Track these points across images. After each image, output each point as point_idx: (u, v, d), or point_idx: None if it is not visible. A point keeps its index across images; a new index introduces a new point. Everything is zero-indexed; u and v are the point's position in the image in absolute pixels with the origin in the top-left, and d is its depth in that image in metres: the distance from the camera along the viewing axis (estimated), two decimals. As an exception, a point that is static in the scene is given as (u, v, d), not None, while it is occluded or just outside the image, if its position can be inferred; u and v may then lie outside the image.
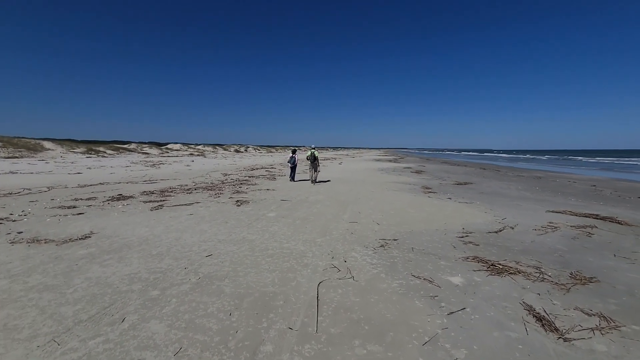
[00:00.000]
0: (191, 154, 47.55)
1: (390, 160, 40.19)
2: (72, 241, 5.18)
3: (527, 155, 76.80)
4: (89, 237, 5.42)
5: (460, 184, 13.97)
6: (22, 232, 5.64)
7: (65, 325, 2.85)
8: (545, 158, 61.59)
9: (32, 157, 29.62)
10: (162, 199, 9.13)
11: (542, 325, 2.92)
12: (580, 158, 59.52)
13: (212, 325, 2.86)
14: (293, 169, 14.10)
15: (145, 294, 3.42)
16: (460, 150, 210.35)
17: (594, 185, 14.16)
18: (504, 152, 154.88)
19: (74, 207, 7.86)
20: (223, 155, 50.47)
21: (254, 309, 3.14)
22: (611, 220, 6.92)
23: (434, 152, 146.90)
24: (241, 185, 12.31)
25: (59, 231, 5.74)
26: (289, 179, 14.04)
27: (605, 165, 35.55)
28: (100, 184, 12.49)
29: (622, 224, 6.61)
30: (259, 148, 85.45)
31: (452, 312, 3.11)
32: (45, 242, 5.13)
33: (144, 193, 10.10)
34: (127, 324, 2.88)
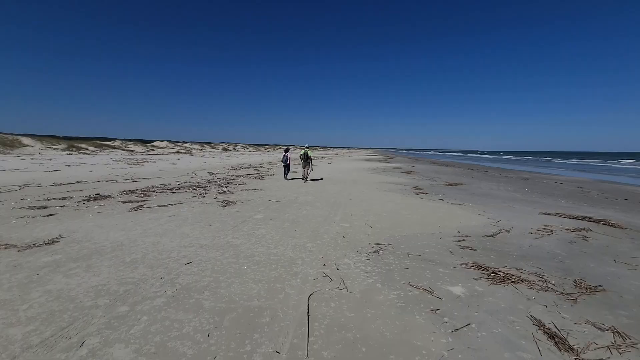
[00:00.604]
0: (177, 152, 46.39)
1: (380, 160, 40.17)
2: (37, 246, 4.66)
3: (510, 157, 78.44)
4: (57, 241, 4.91)
5: (451, 184, 13.87)
6: (-20, 237, 5.07)
7: (11, 352, 2.41)
8: (527, 159, 62.91)
9: (8, 153, 28.17)
10: (143, 199, 8.60)
11: (555, 343, 2.65)
12: (558, 159, 61.13)
13: (187, 350, 2.46)
14: (285, 167, 14.20)
15: (112, 311, 2.98)
16: (445, 151, 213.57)
17: (581, 187, 14.29)
18: (488, 153, 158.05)
19: (45, 207, 7.26)
20: (211, 153, 49.46)
21: (236, 327, 2.76)
22: (605, 223, 6.82)
23: (422, 152, 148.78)
24: (228, 185, 11.87)
25: (23, 235, 5.20)
26: (284, 178, 14.20)
27: (583, 167, 36.45)
28: (78, 182, 11.78)
29: (615, 227, 6.50)
30: (247, 147, 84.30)
31: (456, 329, 2.81)
32: (5, 248, 4.59)
33: (123, 192, 9.52)
34: (85, 349, 2.45)
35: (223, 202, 8.35)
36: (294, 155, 30.26)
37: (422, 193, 10.94)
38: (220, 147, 69.76)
